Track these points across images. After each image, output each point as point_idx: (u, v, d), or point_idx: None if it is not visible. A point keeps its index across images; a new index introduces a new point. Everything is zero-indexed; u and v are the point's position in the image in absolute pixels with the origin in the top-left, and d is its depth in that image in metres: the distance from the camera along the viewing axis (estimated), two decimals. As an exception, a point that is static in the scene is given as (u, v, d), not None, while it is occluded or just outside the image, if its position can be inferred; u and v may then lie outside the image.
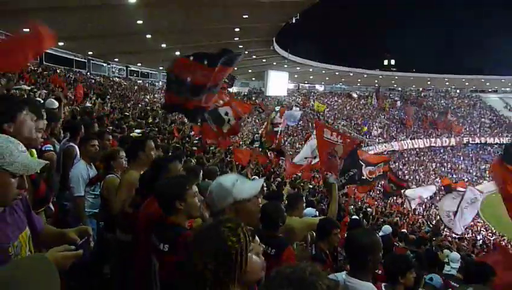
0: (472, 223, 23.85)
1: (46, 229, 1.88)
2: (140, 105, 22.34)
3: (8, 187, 1.51)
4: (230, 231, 1.39)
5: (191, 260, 1.35)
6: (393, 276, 2.78)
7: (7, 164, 1.48)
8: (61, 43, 24.14)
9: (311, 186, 17.69)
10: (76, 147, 4.29)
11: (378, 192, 26.94)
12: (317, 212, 6.54)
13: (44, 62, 24.05)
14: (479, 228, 24.36)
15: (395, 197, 28.89)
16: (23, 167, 1.53)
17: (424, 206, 26.99)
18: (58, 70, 23.93)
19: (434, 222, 19.40)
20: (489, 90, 52.91)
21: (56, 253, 1.54)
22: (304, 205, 4.82)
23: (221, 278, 1.33)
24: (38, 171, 2.73)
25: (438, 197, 23.63)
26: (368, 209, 17.34)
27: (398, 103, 50.12)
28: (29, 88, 12.45)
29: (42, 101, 6.74)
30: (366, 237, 2.39)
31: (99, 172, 4.05)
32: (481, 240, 20.13)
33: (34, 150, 2.65)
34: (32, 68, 20.27)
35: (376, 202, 22.50)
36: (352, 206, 16.49)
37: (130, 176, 3.43)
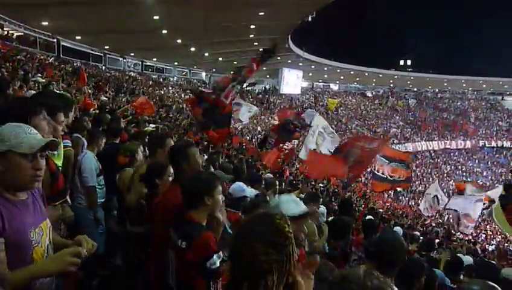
0: (482, 226, 23.50)
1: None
2: (154, 100, 22.52)
3: (21, 169, 1.56)
4: (285, 224, 1.36)
5: (249, 251, 1.28)
6: (410, 279, 2.75)
7: (14, 145, 1.55)
8: (78, 37, 24.46)
9: (321, 185, 17.67)
10: (83, 138, 4.37)
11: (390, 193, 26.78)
12: (325, 210, 6.53)
13: (61, 55, 24.37)
14: (490, 232, 23.93)
15: (407, 199, 28.74)
16: (29, 146, 1.58)
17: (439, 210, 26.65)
18: (75, 64, 24.23)
19: (445, 225, 19.20)
20: (508, 93, 51.85)
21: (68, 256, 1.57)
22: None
23: (282, 269, 1.30)
24: (60, 166, 2.79)
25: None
26: (379, 210, 17.24)
27: (413, 103, 49.48)
28: (44, 80, 12.61)
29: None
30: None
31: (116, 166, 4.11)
32: (494, 245, 19.80)
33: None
34: (49, 61, 20.59)
35: (388, 204, 22.34)
36: (362, 206, 16.41)
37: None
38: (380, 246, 2.47)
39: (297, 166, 19.74)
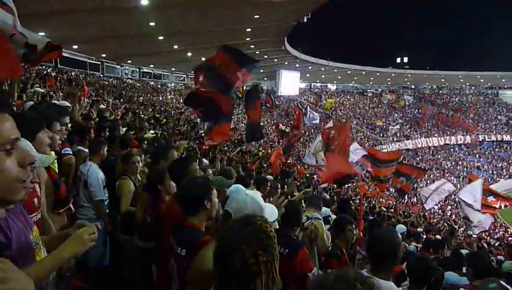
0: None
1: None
2: (152, 107, 22.53)
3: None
4: (266, 224, 1.38)
5: (238, 255, 1.28)
6: (422, 280, 2.77)
7: None
8: (75, 46, 24.48)
9: (324, 186, 17.59)
10: (86, 150, 4.34)
11: (392, 190, 26.74)
12: (331, 213, 6.52)
13: (59, 65, 24.40)
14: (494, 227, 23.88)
15: (409, 196, 28.65)
16: (39, 161, 1.61)
17: (439, 205, 26.62)
18: (73, 73, 24.27)
19: (448, 221, 19.15)
20: (505, 86, 51.88)
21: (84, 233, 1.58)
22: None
23: (269, 269, 1.31)
24: (59, 174, 2.79)
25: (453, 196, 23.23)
26: (382, 209, 17.21)
27: (411, 100, 49.52)
28: (42, 90, 12.63)
29: (58, 102, 6.89)
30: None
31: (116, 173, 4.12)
32: (497, 240, 19.76)
33: (53, 152, 2.69)
34: (48, 72, 20.60)
35: (391, 202, 22.29)
36: (365, 205, 16.35)
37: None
38: (370, 242, 2.46)
39: (299, 168, 19.74)
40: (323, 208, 5.61)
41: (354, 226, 3.84)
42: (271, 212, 2.17)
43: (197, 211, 2.31)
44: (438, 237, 10.01)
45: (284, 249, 2.79)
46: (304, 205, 4.76)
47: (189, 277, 1.91)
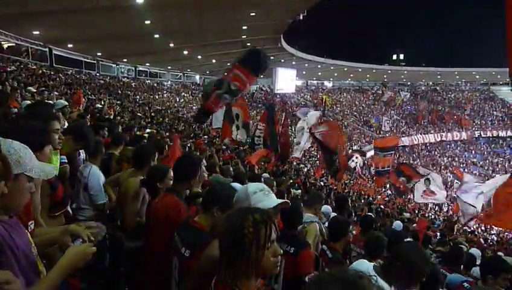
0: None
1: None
2: (148, 107, 22.47)
3: (25, 193, 1.52)
4: (254, 222, 1.41)
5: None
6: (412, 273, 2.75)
7: (29, 169, 1.48)
8: (70, 45, 24.36)
9: (322, 183, 17.64)
10: (82, 152, 4.28)
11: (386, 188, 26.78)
12: (330, 210, 6.50)
13: (54, 64, 24.27)
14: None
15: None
16: (42, 172, 1.54)
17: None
18: (68, 72, 24.13)
19: (446, 217, 19.22)
20: (501, 82, 52.02)
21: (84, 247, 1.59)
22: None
23: (234, 262, 1.40)
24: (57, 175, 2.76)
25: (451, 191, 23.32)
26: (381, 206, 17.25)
27: (408, 96, 49.58)
28: (35, 90, 12.58)
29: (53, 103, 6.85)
30: (418, 254, 2.36)
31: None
32: (494, 235, 19.86)
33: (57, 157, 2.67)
34: (43, 71, 20.49)
35: (387, 198, 22.34)
36: (362, 202, 16.41)
37: (136, 184, 3.44)
38: (399, 260, 2.35)
39: (295, 164, 19.69)
40: (325, 207, 5.58)
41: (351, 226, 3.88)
42: (264, 199, 2.07)
43: (207, 210, 2.31)
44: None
45: (291, 248, 2.94)
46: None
47: (200, 262, 1.93)
